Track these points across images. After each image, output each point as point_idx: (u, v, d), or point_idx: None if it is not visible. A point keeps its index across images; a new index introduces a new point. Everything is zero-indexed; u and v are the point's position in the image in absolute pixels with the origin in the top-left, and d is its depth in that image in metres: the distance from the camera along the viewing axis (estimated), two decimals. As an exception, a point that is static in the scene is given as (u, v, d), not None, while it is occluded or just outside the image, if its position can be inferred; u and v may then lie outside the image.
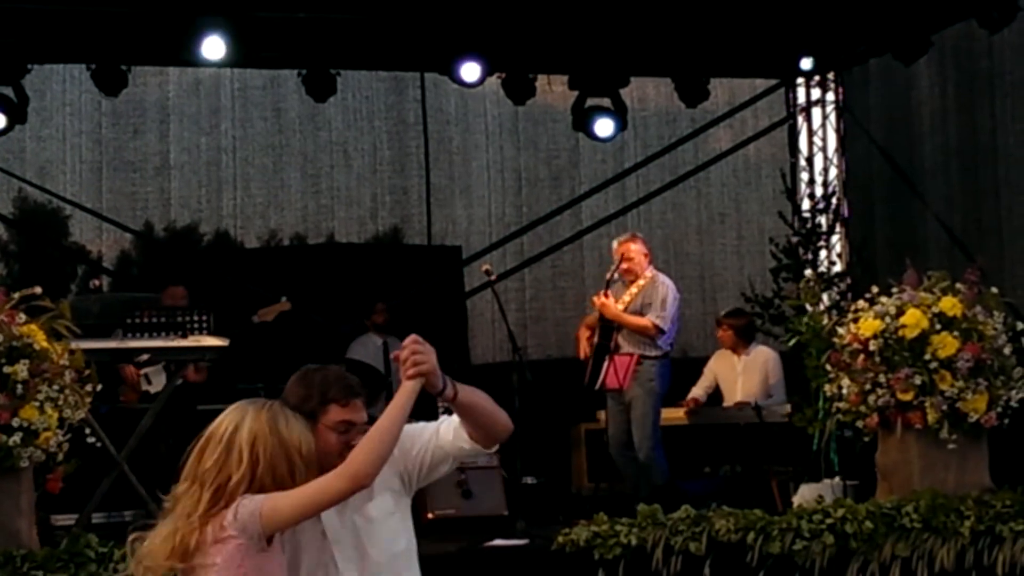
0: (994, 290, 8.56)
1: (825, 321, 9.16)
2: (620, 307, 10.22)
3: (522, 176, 14.66)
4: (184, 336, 8.57)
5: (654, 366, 10.15)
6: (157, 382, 9.79)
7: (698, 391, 11.31)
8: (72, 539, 6.83)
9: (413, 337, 4.09)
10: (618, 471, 10.40)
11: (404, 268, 13.38)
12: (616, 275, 10.38)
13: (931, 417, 8.21)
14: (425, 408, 10.98)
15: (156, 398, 9.55)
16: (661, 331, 10.10)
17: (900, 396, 8.26)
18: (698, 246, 14.91)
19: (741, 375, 11.21)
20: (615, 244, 10.58)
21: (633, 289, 10.27)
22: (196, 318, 8.68)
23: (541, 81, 13.19)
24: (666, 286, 10.28)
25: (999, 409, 8.30)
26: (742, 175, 14.95)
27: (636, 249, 10.39)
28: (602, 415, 10.62)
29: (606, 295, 10.27)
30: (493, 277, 10.35)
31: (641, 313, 10.18)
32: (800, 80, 14.23)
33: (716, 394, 11.39)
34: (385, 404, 11.38)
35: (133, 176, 13.89)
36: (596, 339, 10.29)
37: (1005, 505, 8.00)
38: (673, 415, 10.77)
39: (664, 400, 10.38)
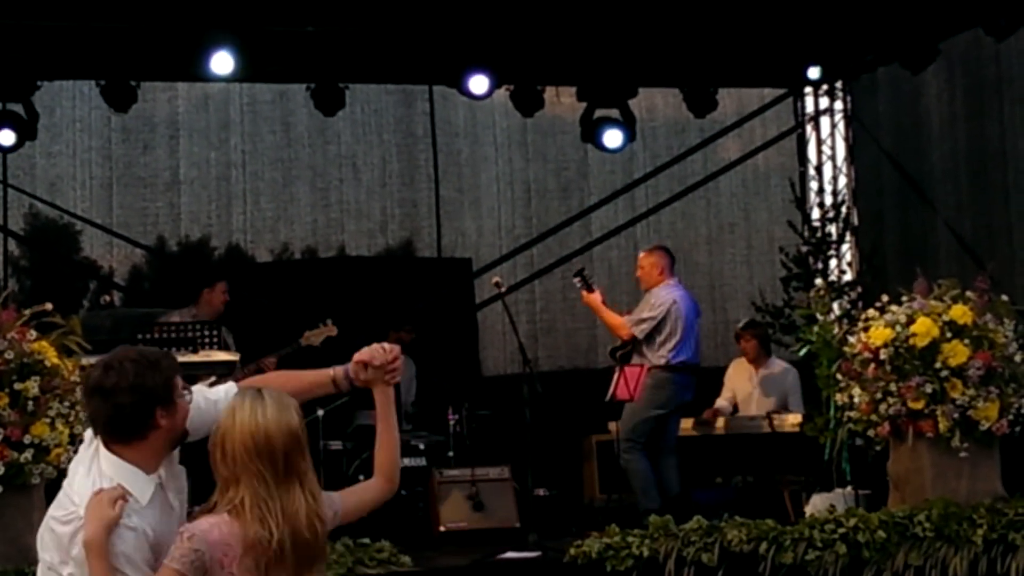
0: (1004, 297, 8.56)
1: (836, 330, 9.16)
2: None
3: (531, 188, 14.67)
4: (195, 351, 8.60)
5: (650, 377, 10.09)
6: None
7: (722, 402, 11.33)
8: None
9: (398, 349, 4.33)
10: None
11: (415, 281, 13.39)
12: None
13: (942, 426, 8.20)
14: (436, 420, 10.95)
15: None
16: (632, 335, 10.12)
17: (911, 405, 8.25)
18: (708, 256, 14.90)
19: (757, 388, 11.21)
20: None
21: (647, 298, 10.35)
22: (207, 333, 8.71)
23: (549, 93, 13.20)
24: (658, 294, 10.25)
25: (1011, 417, 8.30)
26: (751, 185, 14.95)
27: (647, 260, 10.42)
28: (613, 426, 10.63)
29: (591, 290, 10.30)
30: (503, 289, 10.36)
31: None
32: (808, 89, 14.24)
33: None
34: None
35: (143, 191, 13.91)
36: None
37: (1018, 513, 7.98)
38: (686, 426, 10.77)
39: (686, 411, 10.48)
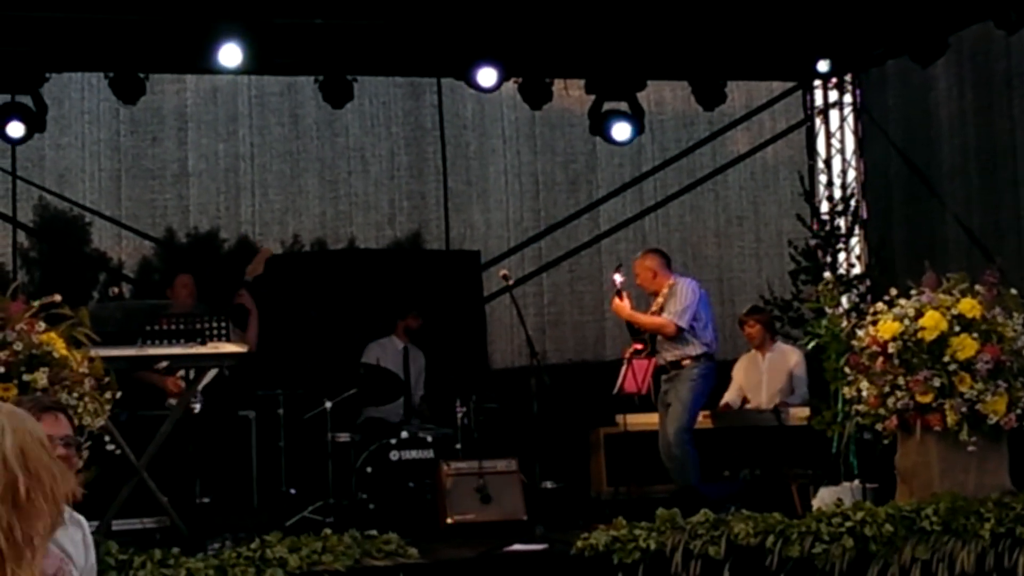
0: (1013, 291, 8.54)
1: (844, 324, 9.15)
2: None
3: (539, 180, 14.66)
4: (203, 343, 8.58)
5: (695, 367, 10.22)
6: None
7: (730, 396, 11.35)
8: (92, 546, 6.84)
9: None
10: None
11: (424, 273, 13.39)
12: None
13: (950, 419, 8.20)
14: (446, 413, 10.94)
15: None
16: (679, 328, 10.15)
17: (919, 398, 8.25)
18: (716, 249, 14.89)
19: (766, 374, 11.23)
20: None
21: (660, 299, 10.36)
22: (215, 325, 8.69)
23: (558, 85, 13.19)
24: (680, 286, 10.33)
25: (1019, 411, 8.29)
26: (760, 178, 14.93)
27: (641, 266, 10.50)
28: (620, 419, 10.64)
29: (620, 297, 10.32)
30: (511, 282, 10.35)
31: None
32: (817, 82, 14.22)
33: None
34: (403, 407, 11.33)
35: (152, 183, 13.92)
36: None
37: (1026, 507, 7.98)
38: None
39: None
